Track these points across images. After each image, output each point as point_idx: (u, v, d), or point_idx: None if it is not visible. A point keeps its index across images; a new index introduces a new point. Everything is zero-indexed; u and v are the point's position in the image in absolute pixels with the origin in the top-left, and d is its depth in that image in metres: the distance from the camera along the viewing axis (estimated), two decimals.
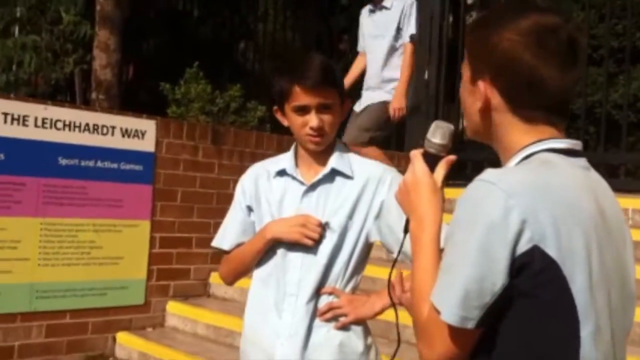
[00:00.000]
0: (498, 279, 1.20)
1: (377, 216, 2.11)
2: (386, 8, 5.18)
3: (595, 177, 1.37)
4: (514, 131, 1.35)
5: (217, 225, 5.40)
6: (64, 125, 4.72)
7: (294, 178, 2.17)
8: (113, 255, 4.90)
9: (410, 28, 5.11)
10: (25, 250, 4.50)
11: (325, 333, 2.09)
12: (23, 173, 4.50)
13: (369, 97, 5.22)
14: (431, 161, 1.50)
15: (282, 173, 2.19)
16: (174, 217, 5.22)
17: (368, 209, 2.11)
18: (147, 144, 5.10)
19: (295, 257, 2.12)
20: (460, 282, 1.22)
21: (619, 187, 5.88)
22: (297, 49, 2.31)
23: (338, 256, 2.12)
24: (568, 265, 1.21)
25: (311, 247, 2.10)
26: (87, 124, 4.82)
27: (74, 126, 4.76)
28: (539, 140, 1.33)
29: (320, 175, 2.14)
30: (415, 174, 1.48)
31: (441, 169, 1.50)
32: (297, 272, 2.10)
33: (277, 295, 2.12)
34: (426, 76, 6.99)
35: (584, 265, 1.22)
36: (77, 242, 4.72)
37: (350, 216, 2.12)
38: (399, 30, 5.11)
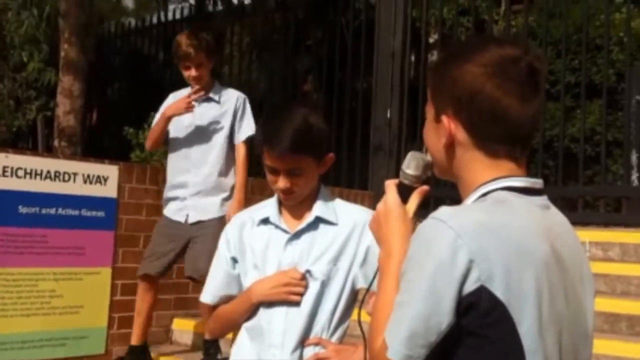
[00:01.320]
0: (444, 318, 1.21)
1: (363, 263, 2.08)
2: (214, 101, 4.53)
3: (554, 215, 1.37)
4: (476, 167, 1.35)
5: (179, 271, 5.42)
6: (25, 173, 4.67)
7: (277, 226, 2.14)
8: (73, 304, 4.82)
9: (246, 127, 4.47)
10: None
11: None
12: None
13: (197, 207, 4.43)
14: (405, 192, 1.51)
15: (265, 221, 2.16)
16: (136, 263, 5.15)
17: (354, 255, 2.09)
18: (109, 190, 5.07)
19: (280, 307, 2.08)
20: (408, 321, 1.23)
21: (577, 220, 6.01)
22: (282, 105, 2.31)
23: (323, 304, 2.08)
24: (516, 307, 1.21)
25: None
26: (49, 171, 4.77)
27: (35, 174, 4.72)
28: (497, 178, 1.33)
29: (304, 224, 2.12)
30: (386, 203, 1.49)
31: (414, 200, 1.50)
32: (281, 322, 2.06)
33: (262, 346, 2.09)
34: (388, 115, 7.09)
35: (533, 308, 1.22)
36: (36, 292, 4.63)
37: (335, 263, 2.09)
38: (232, 128, 4.47)
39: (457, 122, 1.35)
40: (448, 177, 1.44)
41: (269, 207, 2.19)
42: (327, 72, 8.26)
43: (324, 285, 2.08)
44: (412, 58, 8.64)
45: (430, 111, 1.42)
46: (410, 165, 1.52)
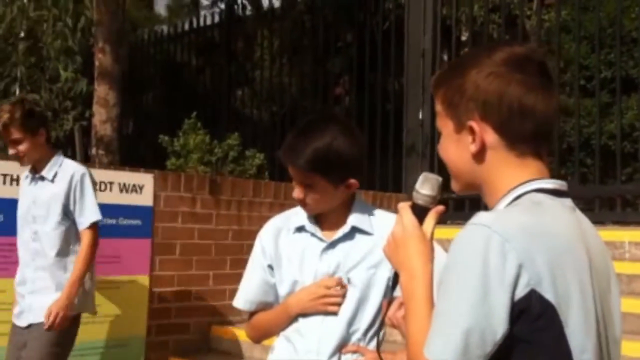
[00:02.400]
0: (499, 328, 1.18)
1: None
2: (47, 179, 3.78)
3: (581, 217, 1.37)
4: (507, 170, 1.34)
5: (216, 277, 5.46)
6: None
7: (312, 234, 2.15)
8: (112, 313, 4.87)
9: (88, 210, 3.75)
10: None
11: None
12: None
13: (31, 308, 3.73)
14: (420, 213, 1.47)
15: (301, 229, 2.17)
16: (172, 271, 5.24)
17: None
18: (145, 198, 5.13)
19: (316, 315, 2.09)
20: (460, 333, 1.17)
21: (616, 219, 5.90)
22: (317, 119, 2.26)
23: (362, 312, 2.08)
24: (563, 308, 1.20)
25: None
26: None
27: None
28: (529, 181, 1.32)
29: (340, 234, 2.12)
30: (404, 226, 1.45)
31: (430, 220, 1.47)
32: (317, 330, 2.07)
33: (299, 353, 2.10)
34: (421, 116, 7.05)
35: (579, 308, 1.22)
36: None
37: (374, 271, 2.09)
38: (68, 210, 3.75)
39: (486, 125, 1.34)
40: (471, 189, 1.42)
41: (304, 214, 2.19)
42: (358, 74, 8.25)
43: (363, 292, 2.08)
44: (445, 57, 8.59)
45: (446, 125, 1.41)
46: (424, 185, 1.49)
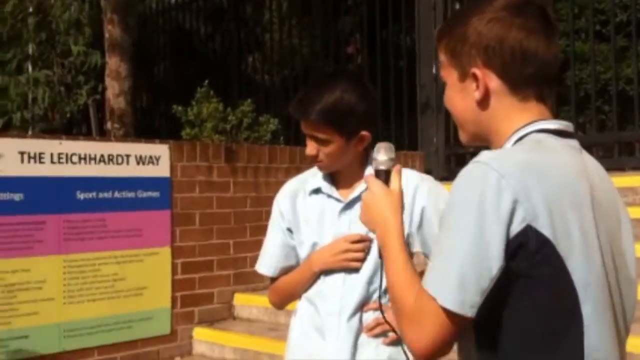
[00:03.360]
0: (495, 262, 1.21)
1: (420, 226, 2.08)
2: None
3: (587, 158, 1.39)
4: (511, 114, 1.37)
5: (236, 245, 5.49)
6: (80, 158, 4.75)
7: (329, 196, 2.16)
8: (136, 286, 4.94)
9: None
10: (50, 290, 4.55)
11: (373, 349, 2.06)
12: (43, 211, 4.54)
13: None
14: (384, 177, 1.63)
15: (317, 191, 2.18)
16: (193, 241, 5.26)
17: (410, 217, 2.07)
18: (162, 170, 5.15)
19: (338, 274, 2.10)
20: (457, 266, 1.22)
21: (636, 165, 5.84)
22: (328, 75, 2.23)
23: (382, 269, 2.10)
24: (562, 243, 1.22)
25: None
26: (102, 155, 4.86)
27: (90, 158, 4.80)
28: (532, 122, 1.35)
29: (356, 192, 2.12)
30: (372, 191, 1.59)
31: (395, 179, 1.62)
32: (339, 289, 2.08)
33: (320, 314, 2.12)
34: (434, 70, 6.97)
35: (580, 242, 1.24)
36: (100, 276, 4.77)
37: None
38: None
39: (489, 71, 1.37)
40: (477, 139, 1.46)
41: (318, 175, 2.20)
42: (369, 32, 8.15)
43: None
44: (457, 6, 8.44)
45: (450, 75, 1.43)
46: (380, 152, 1.67)
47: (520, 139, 1.35)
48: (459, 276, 1.21)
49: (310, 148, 2.09)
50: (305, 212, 2.18)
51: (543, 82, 1.37)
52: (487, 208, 1.21)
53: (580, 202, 1.26)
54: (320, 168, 2.14)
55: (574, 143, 1.37)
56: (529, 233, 1.21)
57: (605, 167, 1.47)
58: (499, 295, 1.23)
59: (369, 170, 2.12)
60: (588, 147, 6.68)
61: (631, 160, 5.96)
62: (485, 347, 1.28)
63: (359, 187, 2.11)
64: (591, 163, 1.39)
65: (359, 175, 2.14)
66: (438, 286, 1.24)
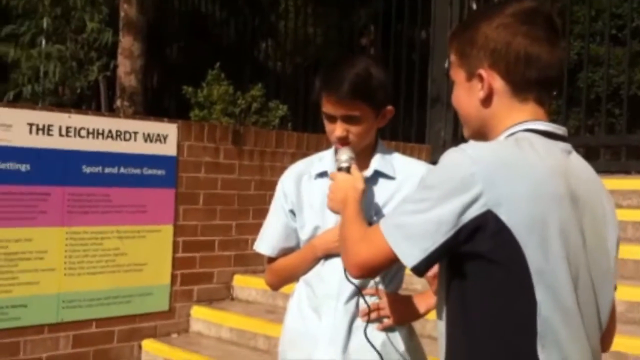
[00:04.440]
0: (443, 228, 1.36)
1: None
2: None
3: (575, 160, 1.50)
4: (509, 112, 1.49)
5: (239, 227, 5.50)
6: (88, 132, 4.76)
7: None
8: (137, 262, 4.96)
9: None
10: (51, 261, 4.56)
11: (368, 334, 2.06)
12: (48, 183, 4.56)
13: None
14: (346, 172, 1.98)
15: (323, 175, 2.17)
16: (196, 221, 5.27)
17: None
18: (169, 148, 5.16)
19: (338, 257, 2.07)
20: (411, 223, 1.41)
21: None
22: (345, 55, 2.25)
23: None
24: (522, 232, 1.33)
25: None
26: (110, 131, 4.87)
27: (97, 133, 4.81)
28: (524, 121, 1.47)
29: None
30: (335, 180, 1.96)
31: (354, 169, 1.98)
32: (338, 272, 2.06)
33: (319, 296, 2.13)
34: (447, 65, 6.93)
35: (539, 234, 1.34)
36: (101, 250, 4.78)
37: None
38: None
39: (494, 73, 1.48)
40: (479, 136, 1.55)
41: (325, 160, 2.19)
42: (384, 24, 8.12)
43: None
44: (474, 5, 8.41)
45: (459, 74, 1.56)
46: (341, 154, 2.01)
47: (510, 135, 1.46)
48: (410, 228, 1.40)
49: (341, 129, 2.05)
50: (310, 194, 2.18)
51: (544, 86, 1.49)
52: (454, 187, 1.35)
53: (548, 198, 1.36)
54: (350, 148, 2.08)
55: (562, 145, 1.48)
56: (489, 217, 1.33)
57: (611, 170, 1.55)
58: (463, 275, 1.39)
59: (379, 162, 2.14)
60: (596, 148, 6.66)
61: (638, 164, 5.93)
62: (453, 319, 1.45)
63: (366, 173, 2.10)
64: (579, 165, 1.50)
65: (366, 162, 2.13)
66: (391, 229, 1.44)
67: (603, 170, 5.02)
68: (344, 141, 2.06)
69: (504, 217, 1.33)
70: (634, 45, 7.42)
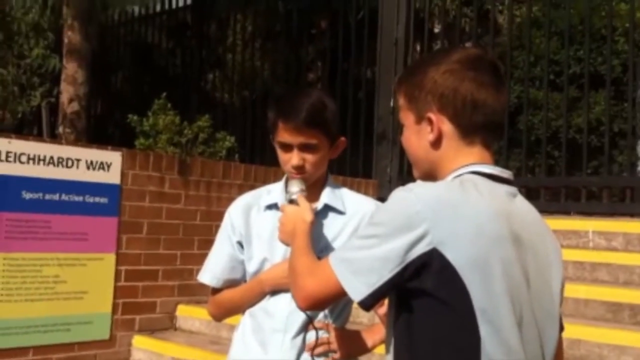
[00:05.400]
0: (389, 265, 1.38)
1: None
2: None
3: (519, 203, 1.53)
4: (457, 155, 1.52)
5: (183, 257, 5.43)
6: (28, 158, 4.68)
7: None
8: (77, 290, 4.84)
9: None
10: None
11: None
12: None
13: None
14: (296, 204, 1.98)
15: (272, 207, 2.15)
16: (140, 250, 5.19)
17: None
18: (112, 176, 5.09)
19: (286, 293, 2.05)
20: (358, 259, 1.43)
21: (580, 210, 6.01)
22: (298, 87, 2.25)
23: None
24: (465, 271, 1.35)
25: None
26: (52, 157, 4.79)
27: (39, 159, 4.73)
28: (470, 164, 1.51)
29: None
30: (285, 212, 1.97)
31: (302, 201, 1.98)
32: (286, 306, 2.05)
33: (266, 330, 2.09)
34: (392, 103, 7.08)
35: (481, 274, 1.37)
36: (40, 277, 4.66)
37: None
38: None
39: (443, 117, 1.51)
40: (428, 175, 1.59)
41: (274, 192, 2.17)
42: (331, 62, 8.24)
43: None
44: (417, 47, 8.63)
45: (408, 118, 1.58)
46: (291, 186, 2.02)
47: (457, 177, 1.49)
48: (357, 263, 1.42)
49: (297, 158, 2.04)
50: (259, 226, 2.16)
51: (490, 129, 1.53)
52: (401, 225, 1.38)
53: (489, 240, 1.39)
54: (305, 179, 2.08)
55: (507, 188, 1.51)
56: (434, 255, 1.36)
57: (551, 210, 1.60)
58: (410, 310, 1.41)
59: (329, 197, 2.15)
60: (536, 189, 6.83)
61: (577, 205, 6.12)
62: (399, 354, 1.46)
63: (316, 206, 2.10)
64: (523, 207, 1.53)
65: (316, 196, 2.12)
66: (339, 263, 1.45)
67: (543, 210, 5.15)
68: (300, 170, 2.05)
69: (449, 255, 1.35)
70: (571, 91, 7.71)
